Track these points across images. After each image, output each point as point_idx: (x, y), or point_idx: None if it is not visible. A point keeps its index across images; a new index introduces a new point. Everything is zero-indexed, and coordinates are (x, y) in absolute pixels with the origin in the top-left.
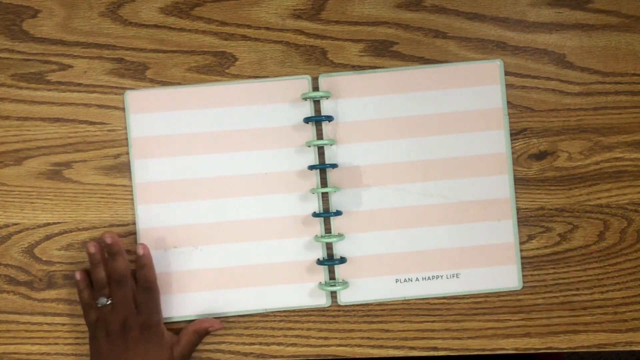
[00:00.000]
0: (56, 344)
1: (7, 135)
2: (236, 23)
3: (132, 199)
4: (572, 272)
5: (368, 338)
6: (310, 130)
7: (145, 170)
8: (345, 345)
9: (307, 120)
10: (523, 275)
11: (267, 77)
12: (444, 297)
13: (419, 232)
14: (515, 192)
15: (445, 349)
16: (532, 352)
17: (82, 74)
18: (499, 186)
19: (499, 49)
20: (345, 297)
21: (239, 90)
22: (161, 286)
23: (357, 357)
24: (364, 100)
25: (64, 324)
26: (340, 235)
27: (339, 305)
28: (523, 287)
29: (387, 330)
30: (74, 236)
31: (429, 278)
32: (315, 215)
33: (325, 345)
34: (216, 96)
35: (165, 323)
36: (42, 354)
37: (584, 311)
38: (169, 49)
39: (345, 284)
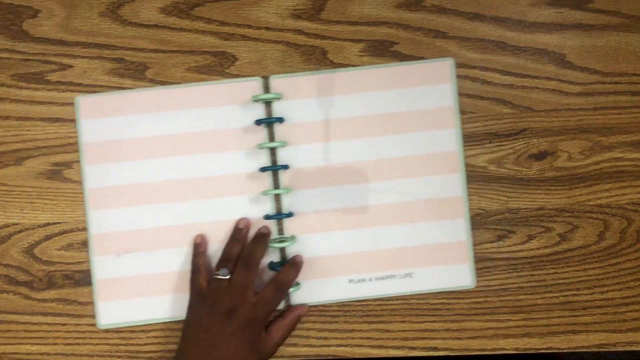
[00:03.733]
0: (56, 344)
1: (7, 135)
2: (236, 23)
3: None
4: (572, 272)
5: (368, 338)
6: (263, 132)
7: (97, 175)
8: (345, 345)
9: (258, 122)
10: (524, 275)
11: (268, 77)
12: (445, 297)
13: (371, 232)
14: (516, 192)
15: (445, 349)
16: (532, 352)
17: (82, 74)
18: (452, 184)
19: (499, 49)
20: (298, 298)
21: (190, 93)
22: (115, 292)
23: (357, 357)
24: (316, 101)
25: (64, 324)
26: (293, 238)
27: (339, 305)
28: (523, 287)
29: (387, 330)
30: (74, 236)
31: (382, 278)
32: (266, 217)
33: (325, 345)
34: (168, 99)
35: (109, 331)
36: (42, 354)
37: (584, 311)
38: (169, 49)
39: (297, 285)
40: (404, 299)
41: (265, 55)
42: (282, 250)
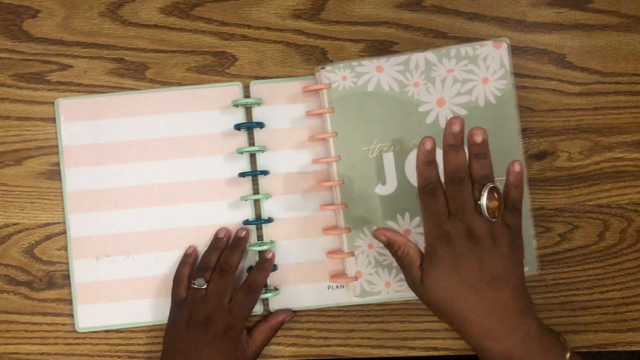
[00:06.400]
0: (56, 344)
1: (7, 135)
2: (236, 23)
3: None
4: (572, 272)
5: (368, 338)
6: (243, 137)
7: (77, 178)
8: (345, 345)
9: (237, 127)
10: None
11: (267, 77)
12: None
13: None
14: None
15: (445, 349)
16: None
17: (82, 74)
18: None
19: None
20: (277, 304)
21: (170, 98)
22: (94, 295)
23: (357, 357)
24: (293, 107)
25: (64, 324)
26: (272, 243)
27: (339, 305)
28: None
29: (387, 330)
30: None
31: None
32: (246, 223)
33: (325, 345)
34: (148, 103)
35: (85, 332)
36: (42, 354)
37: (584, 311)
38: (169, 49)
39: (276, 291)
40: (407, 297)
41: (265, 55)
42: (261, 254)
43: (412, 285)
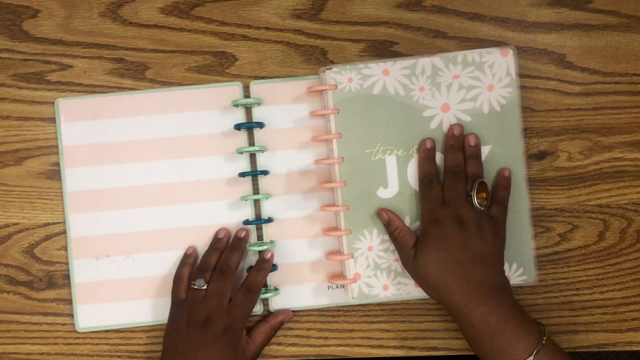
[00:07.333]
0: (56, 344)
1: (7, 135)
2: (236, 23)
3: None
4: (572, 272)
5: (368, 338)
6: (243, 137)
7: (77, 178)
8: (345, 345)
9: (237, 127)
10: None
11: (268, 77)
12: None
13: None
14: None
15: (445, 349)
16: None
17: (82, 74)
18: None
19: None
20: (278, 303)
21: (170, 98)
22: (94, 295)
23: (357, 357)
24: (294, 107)
25: (64, 324)
26: (272, 243)
27: (339, 305)
28: (523, 287)
29: (387, 330)
30: None
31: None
32: (246, 223)
33: (325, 345)
34: (148, 103)
35: (85, 332)
36: (42, 354)
37: (584, 311)
38: (169, 49)
39: (276, 291)
40: (404, 299)
41: (265, 55)
42: (260, 254)
43: (406, 262)
